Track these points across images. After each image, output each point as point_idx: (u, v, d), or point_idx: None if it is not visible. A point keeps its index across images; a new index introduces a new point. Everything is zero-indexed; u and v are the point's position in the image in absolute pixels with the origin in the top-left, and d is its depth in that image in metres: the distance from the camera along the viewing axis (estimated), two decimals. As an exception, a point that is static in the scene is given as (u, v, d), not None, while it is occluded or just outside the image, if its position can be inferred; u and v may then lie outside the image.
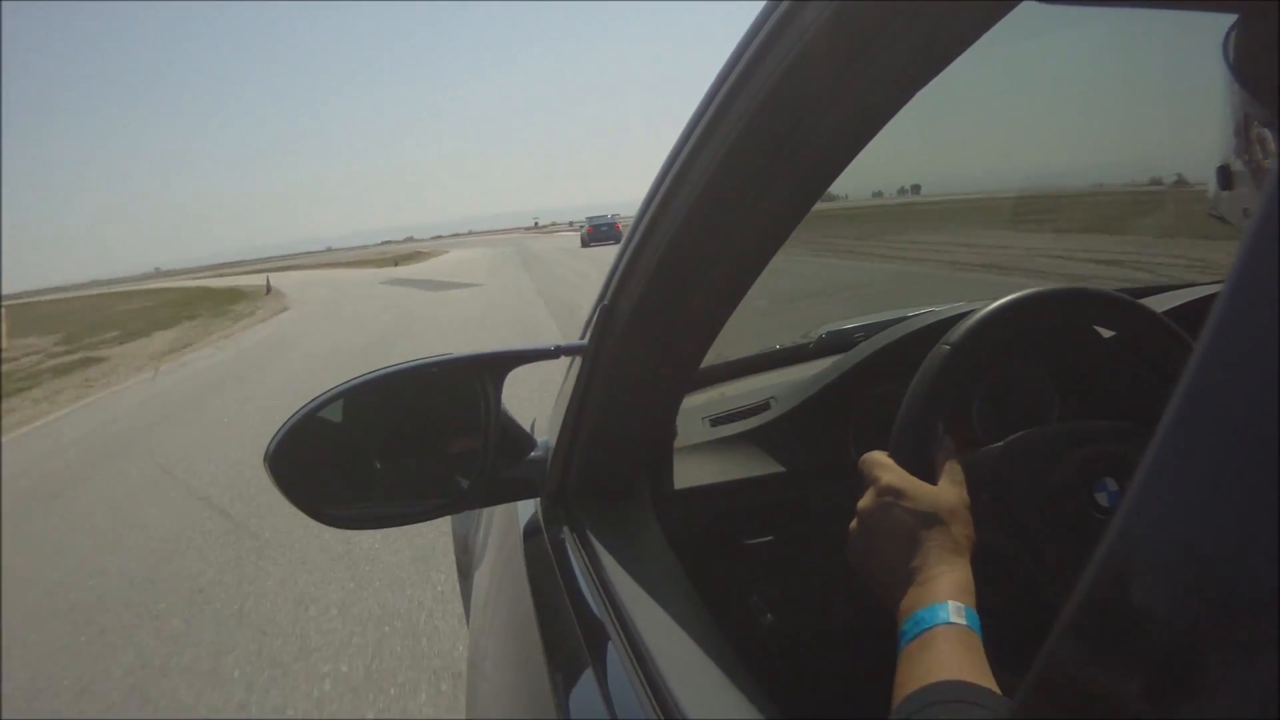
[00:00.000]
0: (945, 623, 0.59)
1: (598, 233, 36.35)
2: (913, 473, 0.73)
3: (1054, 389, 1.03)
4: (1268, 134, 0.52)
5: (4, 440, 8.09)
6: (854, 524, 0.73)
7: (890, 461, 0.74)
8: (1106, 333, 1.02)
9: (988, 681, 0.55)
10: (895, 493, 0.70)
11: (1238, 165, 0.58)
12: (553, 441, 0.93)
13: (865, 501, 0.72)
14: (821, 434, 1.10)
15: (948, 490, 0.71)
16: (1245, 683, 0.23)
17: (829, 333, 1.38)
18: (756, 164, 0.63)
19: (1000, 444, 0.83)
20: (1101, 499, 0.78)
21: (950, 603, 0.60)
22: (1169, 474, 0.26)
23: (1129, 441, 0.80)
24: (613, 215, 39.62)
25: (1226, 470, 0.24)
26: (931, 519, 0.68)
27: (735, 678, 0.66)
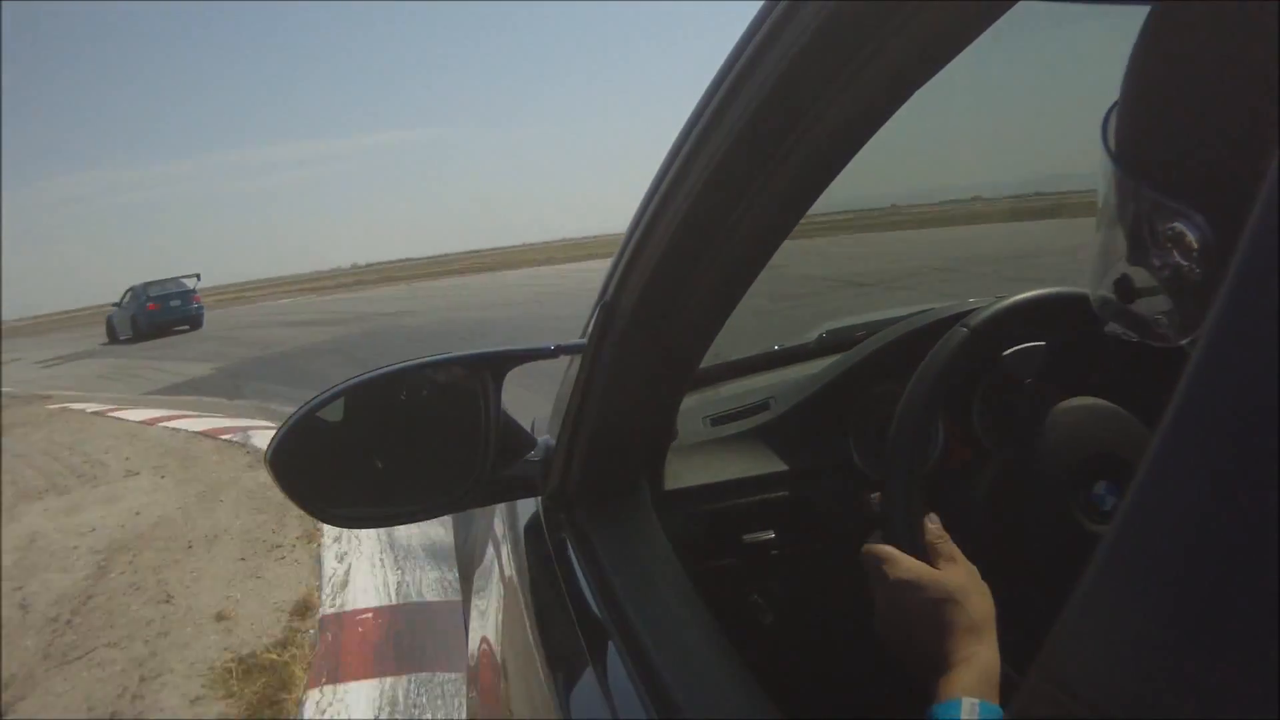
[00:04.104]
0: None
1: (163, 313, 21.25)
2: (911, 540, 0.75)
3: (1053, 387, 1.03)
4: (1182, 230, 0.41)
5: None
6: (876, 616, 0.75)
7: (892, 552, 0.75)
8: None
9: None
10: (906, 586, 0.72)
11: (1138, 273, 0.46)
12: (552, 441, 0.93)
13: (880, 596, 0.74)
14: (822, 433, 1.10)
15: (952, 570, 0.73)
16: (1245, 684, 0.23)
17: (829, 331, 1.38)
18: (756, 162, 0.63)
19: (998, 454, 0.83)
20: (1100, 502, 0.78)
21: (964, 700, 0.61)
22: (1168, 475, 0.26)
23: (1126, 435, 0.80)
24: (190, 281, 22.79)
25: (1226, 471, 0.24)
26: (948, 603, 0.69)
27: (736, 677, 0.66)
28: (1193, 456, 0.26)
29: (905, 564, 0.73)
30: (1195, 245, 0.40)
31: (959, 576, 0.72)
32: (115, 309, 23.25)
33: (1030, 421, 0.90)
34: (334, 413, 0.84)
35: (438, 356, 0.87)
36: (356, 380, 0.84)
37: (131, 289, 22.76)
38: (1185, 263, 0.41)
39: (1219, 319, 0.25)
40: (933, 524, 0.77)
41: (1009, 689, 0.63)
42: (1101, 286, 0.50)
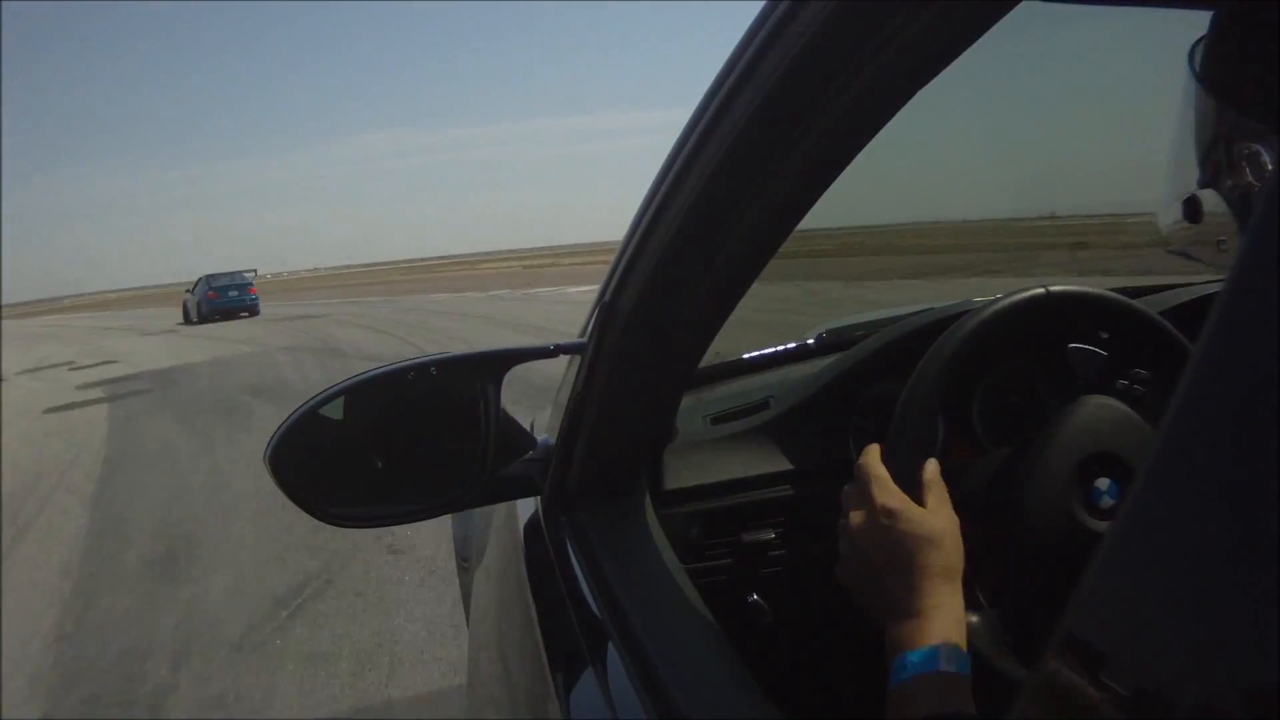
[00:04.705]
0: (935, 670, 0.59)
1: (221, 301, 23.75)
2: (907, 477, 0.72)
3: (1055, 388, 1.03)
4: (1259, 150, 0.45)
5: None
6: (844, 542, 0.72)
7: (886, 477, 0.72)
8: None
9: None
10: (890, 514, 0.69)
11: (1208, 196, 0.52)
12: (552, 440, 0.93)
13: (858, 520, 0.71)
14: (821, 432, 1.10)
15: (940, 512, 0.70)
16: (1246, 684, 0.23)
17: (828, 331, 1.38)
18: (756, 162, 0.63)
19: (998, 452, 0.83)
20: (1101, 501, 0.78)
21: (941, 647, 0.60)
22: (1170, 475, 0.26)
23: (1127, 433, 0.80)
24: (249, 274, 25.36)
25: (1227, 470, 0.24)
26: (926, 542, 0.67)
27: (735, 677, 0.66)
28: (1194, 455, 0.26)
29: (895, 493, 0.71)
30: (1268, 165, 0.43)
31: (942, 520, 0.69)
32: (188, 295, 25.81)
33: (1031, 420, 0.90)
34: (333, 412, 0.84)
35: (437, 356, 0.87)
36: (356, 379, 0.84)
37: (200, 278, 25.60)
38: (1257, 183, 0.44)
39: (1220, 319, 0.25)
40: (933, 467, 0.75)
41: (1008, 687, 0.63)
42: (1170, 212, 0.54)
